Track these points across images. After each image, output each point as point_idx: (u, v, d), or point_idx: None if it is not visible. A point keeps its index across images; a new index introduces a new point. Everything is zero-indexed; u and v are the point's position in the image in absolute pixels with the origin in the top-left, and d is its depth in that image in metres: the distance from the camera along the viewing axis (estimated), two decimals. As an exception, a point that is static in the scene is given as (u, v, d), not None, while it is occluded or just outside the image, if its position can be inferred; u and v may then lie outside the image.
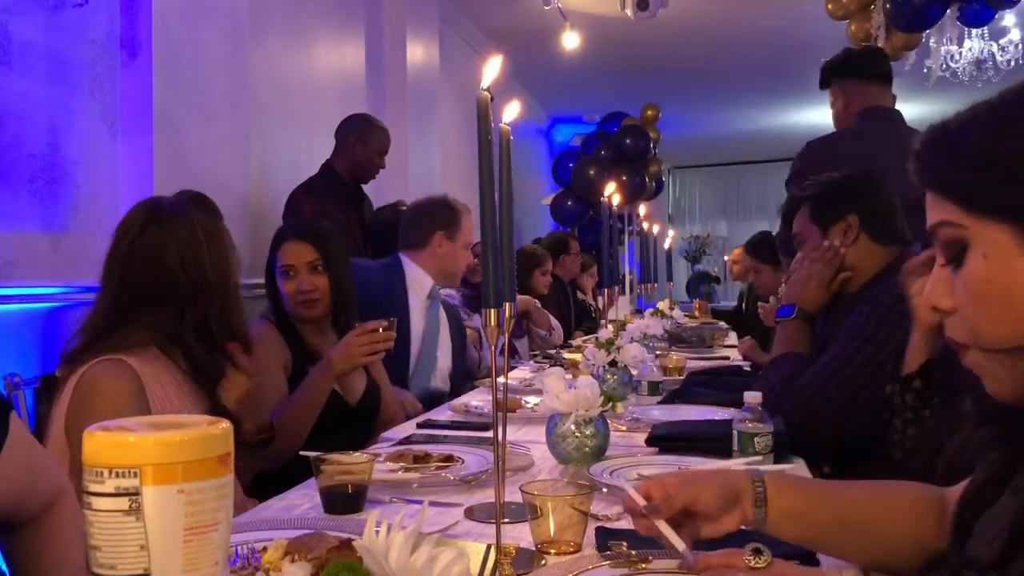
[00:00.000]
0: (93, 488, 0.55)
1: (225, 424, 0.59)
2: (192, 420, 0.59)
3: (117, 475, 0.54)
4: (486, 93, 0.99)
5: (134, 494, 0.54)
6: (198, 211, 1.67)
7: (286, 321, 2.24)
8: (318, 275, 2.22)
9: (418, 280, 2.79)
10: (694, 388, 2.42)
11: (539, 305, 4.37)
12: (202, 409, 1.58)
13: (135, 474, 0.54)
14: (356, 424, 2.20)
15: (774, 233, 3.71)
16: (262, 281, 2.42)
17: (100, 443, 0.55)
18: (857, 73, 2.96)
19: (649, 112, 8.01)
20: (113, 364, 1.51)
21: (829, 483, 1.12)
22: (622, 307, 3.18)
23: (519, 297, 4.20)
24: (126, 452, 0.54)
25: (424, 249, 2.82)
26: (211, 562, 0.56)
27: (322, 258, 2.23)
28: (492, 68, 0.99)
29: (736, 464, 1.47)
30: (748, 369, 2.95)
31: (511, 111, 1.05)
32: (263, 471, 1.98)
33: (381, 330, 2.11)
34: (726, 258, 7.28)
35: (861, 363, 1.75)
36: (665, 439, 1.71)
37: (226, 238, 1.68)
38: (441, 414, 2.23)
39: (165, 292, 1.58)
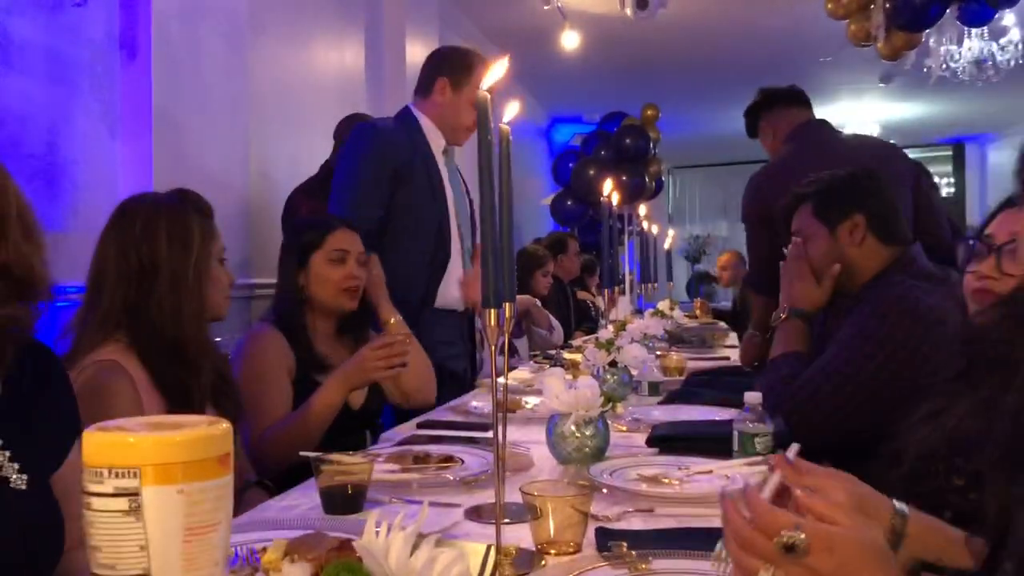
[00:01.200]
0: (92, 488, 0.55)
1: (225, 425, 0.59)
2: (192, 420, 0.59)
3: (117, 475, 0.54)
4: (486, 93, 0.99)
5: (134, 494, 0.54)
6: (172, 201, 1.68)
7: (292, 324, 2.13)
8: (362, 267, 2.19)
9: (432, 134, 2.65)
10: (694, 388, 2.42)
11: (539, 304, 4.36)
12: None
13: (135, 474, 0.54)
14: (357, 426, 2.18)
15: None
16: (260, 280, 2.40)
17: (99, 443, 0.55)
18: (779, 103, 3.09)
19: (649, 112, 8.00)
20: (109, 367, 1.52)
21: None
22: (622, 307, 3.17)
23: (518, 297, 4.19)
24: (126, 452, 0.54)
25: (427, 98, 2.67)
26: (211, 562, 0.55)
27: (364, 252, 2.22)
28: (498, 70, 0.99)
29: (737, 464, 1.47)
30: (748, 369, 2.95)
31: (510, 111, 1.05)
32: (265, 473, 1.97)
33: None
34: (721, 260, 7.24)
35: (860, 363, 1.75)
36: (665, 439, 1.71)
37: (193, 230, 1.65)
38: (441, 414, 2.23)
39: (121, 276, 1.60)
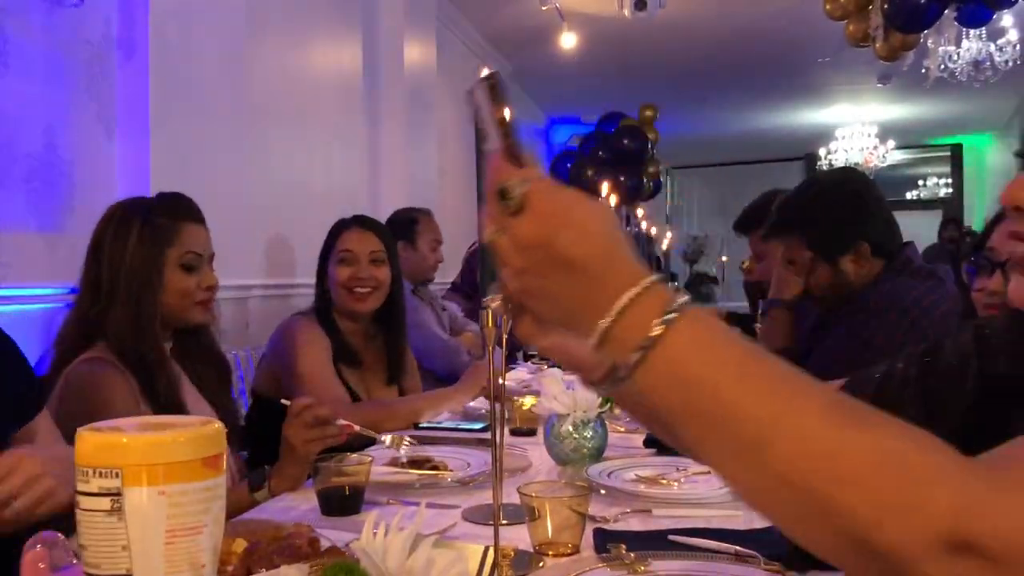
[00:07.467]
0: (80, 487, 0.55)
1: (216, 426, 0.58)
2: (184, 421, 0.59)
3: (100, 475, 0.54)
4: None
5: (115, 494, 0.54)
6: (126, 206, 1.67)
7: (324, 317, 2.18)
8: (379, 266, 2.18)
9: None
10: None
11: None
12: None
13: (117, 475, 0.54)
14: None
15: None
16: (257, 281, 2.39)
17: (87, 443, 0.55)
18: None
19: (647, 112, 7.99)
20: (101, 362, 1.52)
21: None
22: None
23: None
24: (109, 453, 0.54)
25: None
26: (195, 564, 0.55)
27: (384, 249, 2.20)
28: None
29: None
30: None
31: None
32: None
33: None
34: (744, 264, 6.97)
35: (852, 363, 1.75)
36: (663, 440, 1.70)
37: (131, 237, 1.60)
38: (439, 415, 2.22)
39: (84, 286, 1.62)
